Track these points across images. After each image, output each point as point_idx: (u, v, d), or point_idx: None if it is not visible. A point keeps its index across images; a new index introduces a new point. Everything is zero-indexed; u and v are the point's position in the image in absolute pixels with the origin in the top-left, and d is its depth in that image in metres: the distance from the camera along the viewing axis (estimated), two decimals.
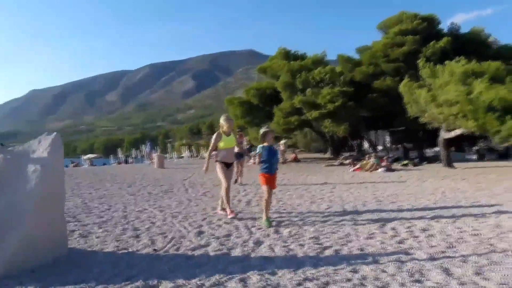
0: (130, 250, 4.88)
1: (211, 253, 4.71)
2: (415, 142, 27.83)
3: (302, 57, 28.64)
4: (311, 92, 23.41)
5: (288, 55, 28.71)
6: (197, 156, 47.80)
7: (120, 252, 4.79)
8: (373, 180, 13.83)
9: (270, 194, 6.38)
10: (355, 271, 4.00)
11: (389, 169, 17.51)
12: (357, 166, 18.34)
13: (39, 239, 4.20)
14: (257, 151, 6.55)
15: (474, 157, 26.48)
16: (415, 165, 20.49)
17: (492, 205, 7.83)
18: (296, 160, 26.33)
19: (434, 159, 22.50)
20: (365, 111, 24.46)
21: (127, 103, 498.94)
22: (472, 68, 15.97)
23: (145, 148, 32.95)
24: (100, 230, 5.91)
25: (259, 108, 29.65)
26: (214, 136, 7.23)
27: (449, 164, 18.92)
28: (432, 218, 6.68)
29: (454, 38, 23.39)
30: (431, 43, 22.50)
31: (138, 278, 3.77)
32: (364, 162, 18.77)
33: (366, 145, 31.40)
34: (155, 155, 23.51)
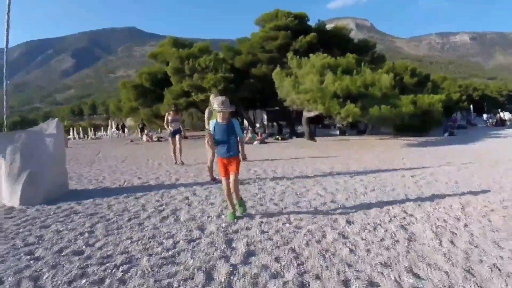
0: (104, 187, 8.28)
1: (153, 184, 8.40)
2: (288, 120, 32.06)
3: (190, 45, 31.39)
4: (198, 77, 26.47)
5: (177, 43, 31.41)
6: (85, 137, 48.56)
7: (99, 188, 8.17)
8: (248, 149, 17.94)
9: (227, 183, 5.30)
10: (243, 186, 7.93)
11: (262, 142, 21.92)
12: None
13: (56, 181, 7.46)
14: (210, 129, 5.34)
15: (337, 132, 31.26)
16: (284, 139, 25.02)
17: (325, 163, 12.33)
18: (185, 137, 29.55)
19: (302, 135, 26.58)
20: (245, 93, 27.77)
21: (1, 84, 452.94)
22: (329, 62, 19.96)
23: None
24: (73, 182, 9.07)
25: (151, 91, 31.99)
26: (206, 113, 8.34)
27: (311, 137, 23.46)
28: (281, 167, 10.98)
29: (320, 34, 27.79)
30: (300, 38, 26.67)
31: (122, 194, 7.28)
32: None
33: (246, 123, 34.55)
34: None
